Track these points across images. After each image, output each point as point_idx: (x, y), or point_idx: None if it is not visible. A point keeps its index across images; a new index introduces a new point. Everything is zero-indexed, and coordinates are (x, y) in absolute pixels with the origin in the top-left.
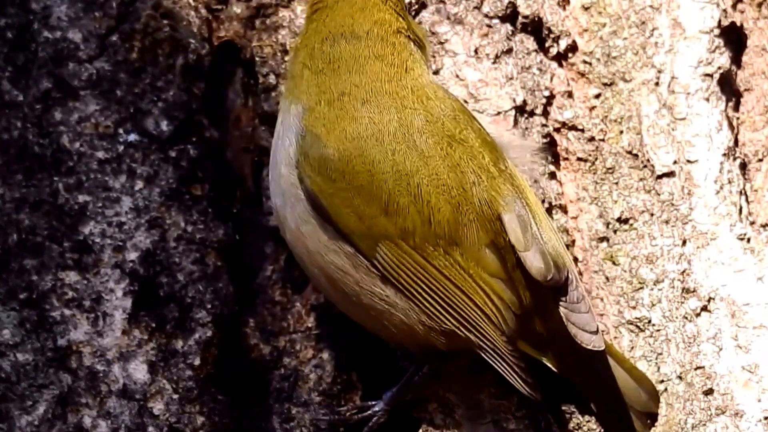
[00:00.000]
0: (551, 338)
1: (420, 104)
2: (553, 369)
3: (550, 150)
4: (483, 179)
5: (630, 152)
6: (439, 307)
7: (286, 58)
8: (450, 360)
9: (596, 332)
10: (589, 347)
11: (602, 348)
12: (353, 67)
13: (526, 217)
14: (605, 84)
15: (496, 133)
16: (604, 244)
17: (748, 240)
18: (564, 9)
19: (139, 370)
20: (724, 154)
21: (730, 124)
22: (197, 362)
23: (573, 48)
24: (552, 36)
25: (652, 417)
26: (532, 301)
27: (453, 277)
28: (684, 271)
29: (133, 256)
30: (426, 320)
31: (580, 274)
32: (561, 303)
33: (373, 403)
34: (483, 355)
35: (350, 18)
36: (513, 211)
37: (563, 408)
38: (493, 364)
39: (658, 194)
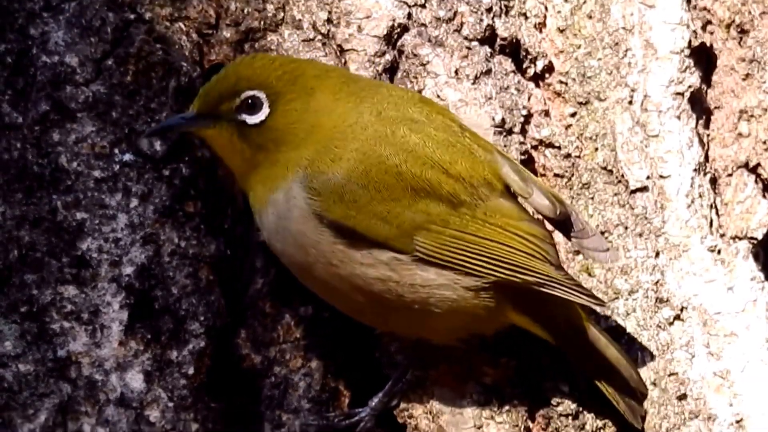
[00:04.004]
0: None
1: (386, 97)
2: (550, 340)
3: (528, 166)
4: (469, 137)
5: (605, 168)
6: (486, 265)
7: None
8: (434, 367)
9: (608, 250)
10: (608, 263)
11: (619, 260)
12: (315, 119)
13: (517, 167)
14: (580, 103)
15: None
16: (580, 256)
17: (719, 251)
18: (540, 31)
19: (135, 380)
20: (695, 170)
21: (701, 141)
22: (191, 371)
23: (549, 69)
24: (529, 57)
25: (643, 396)
26: None
27: (488, 235)
28: (657, 282)
29: (129, 270)
30: (473, 284)
31: None
32: (572, 234)
33: (360, 409)
34: (544, 289)
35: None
36: (505, 163)
37: (542, 412)
38: (556, 293)
39: (632, 208)
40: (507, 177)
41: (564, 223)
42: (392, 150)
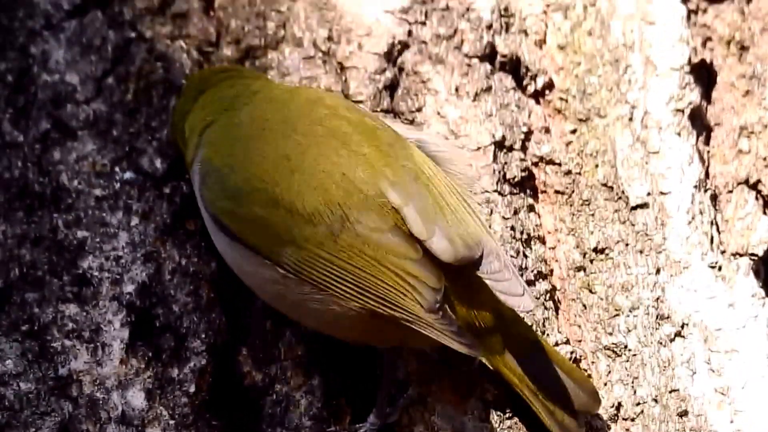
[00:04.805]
0: (483, 322)
1: (283, 101)
2: (486, 363)
3: (529, 183)
4: (363, 166)
5: (605, 185)
6: (354, 293)
7: None
8: (435, 382)
9: (522, 294)
10: (520, 309)
11: (531, 308)
12: (219, 109)
13: (425, 204)
14: (581, 120)
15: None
16: (581, 273)
17: (720, 268)
18: (541, 48)
19: (136, 398)
20: (696, 186)
21: (701, 158)
22: (192, 389)
23: (550, 85)
24: (529, 74)
25: (591, 416)
26: (454, 277)
27: (361, 265)
28: (658, 299)
29: (130, 288)
30: (353, 307)
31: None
32: (483, 276)
33: (361, 425)
34: (414, 327)
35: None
36: (409, 203)
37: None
38: (426, 333)
39: (633, 225)
40: (406, 218)
41: (474, 265)
42: (272, 158)
